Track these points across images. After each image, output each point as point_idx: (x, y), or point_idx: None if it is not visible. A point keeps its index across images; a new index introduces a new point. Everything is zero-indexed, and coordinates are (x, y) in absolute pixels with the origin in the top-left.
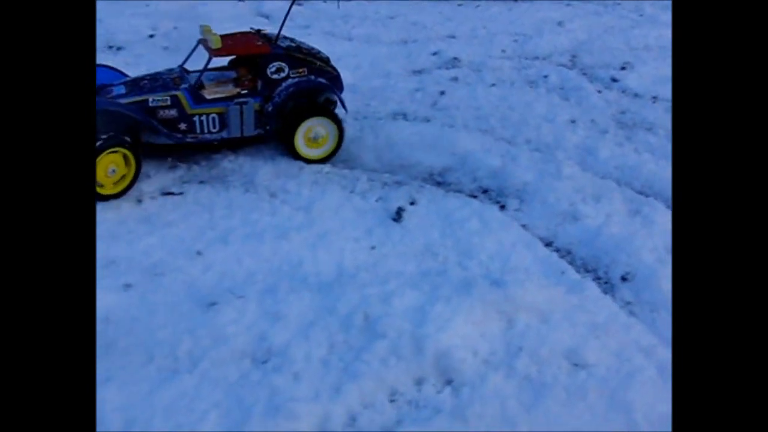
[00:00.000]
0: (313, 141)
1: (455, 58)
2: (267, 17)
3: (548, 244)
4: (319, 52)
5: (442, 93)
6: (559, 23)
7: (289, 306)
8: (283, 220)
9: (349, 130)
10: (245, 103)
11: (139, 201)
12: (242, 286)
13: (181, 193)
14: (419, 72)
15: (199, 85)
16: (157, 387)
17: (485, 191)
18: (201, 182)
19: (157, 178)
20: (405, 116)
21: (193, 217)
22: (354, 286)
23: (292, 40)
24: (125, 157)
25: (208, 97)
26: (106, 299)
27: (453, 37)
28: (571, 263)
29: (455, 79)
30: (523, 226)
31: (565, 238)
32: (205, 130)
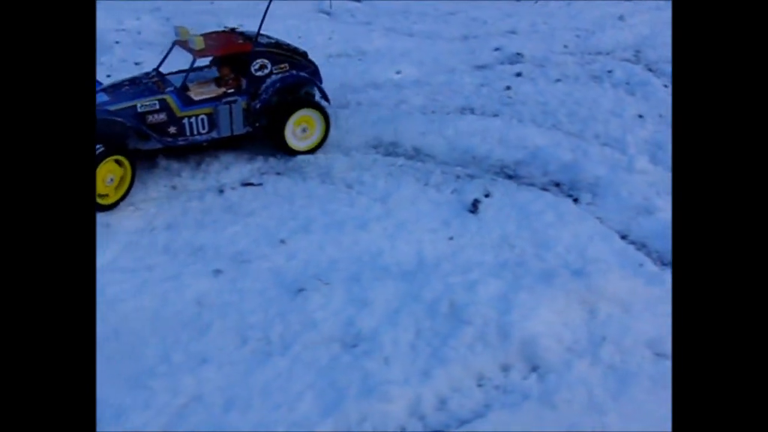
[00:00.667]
0: (302, 133)
1: (518, 54)
2: (328, 13)
3: (623, 237)
4: (296, 47)
5: (508, 88)
6: (620, 18)
7: (374, 293)
8: (362, 210)
9: (419, 124)
10: (234, 101)
11: (221, 191)
12: (326, 273)
13: (260, 184)
14: (482, 67)
15: (186, 87)
16: (253, 368)
17: (557, 185)
18: (278, 174)
19: (235, 170)
20: (472, 111)
21: (274, 206)
22: (437, 274)
23: (269, 37)
24: (117, 161)
25: (196, 98)
26: (199, 284)
27: (513, 32)
28: (647, 256)
29: (519, 74)
30: (598, 218)
31: (640, 232)
32: (195, 132)
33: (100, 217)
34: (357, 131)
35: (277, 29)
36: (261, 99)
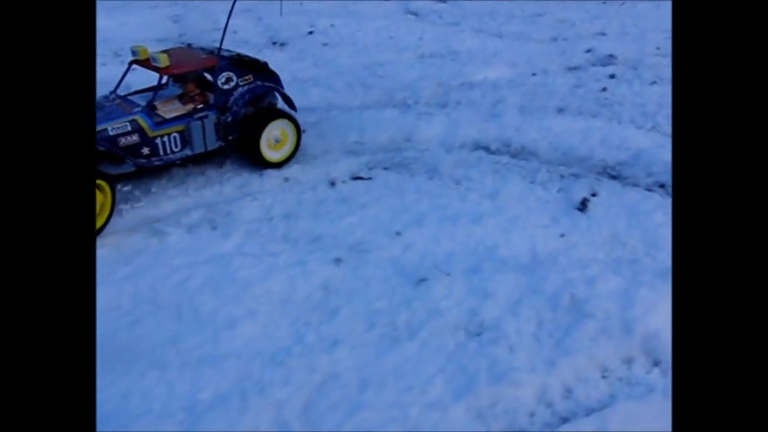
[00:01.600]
0: (275, 144)
1: (610, 56)
2: (415, 14)
3: None
4: (256, 58)
5: (604, 89)
6: None
7: (495, 284)
8: (473, 206)
9: (518, 123)
10: (205, 117)
11: (332, 184)
12: (445, 265)
13: (369, 179)
14: (575, 68)
15: (152, 107)
16: (384, 351)
17: (662, 185)
18: (385, 168)
19: (344, 164)
20: (570, 111)
21: (386, 200)
22: (555, 269)
23: (228, 50)
24: (99, 187)
25: (167, 116)
26: (323, 270)
27: (603, 34)
28: None
29: (613, 76)
30: None
31: None
32: (168, 151)
33: (222, 206)
34: (459, 129)
35: (367, 30)
36: (232, 112)
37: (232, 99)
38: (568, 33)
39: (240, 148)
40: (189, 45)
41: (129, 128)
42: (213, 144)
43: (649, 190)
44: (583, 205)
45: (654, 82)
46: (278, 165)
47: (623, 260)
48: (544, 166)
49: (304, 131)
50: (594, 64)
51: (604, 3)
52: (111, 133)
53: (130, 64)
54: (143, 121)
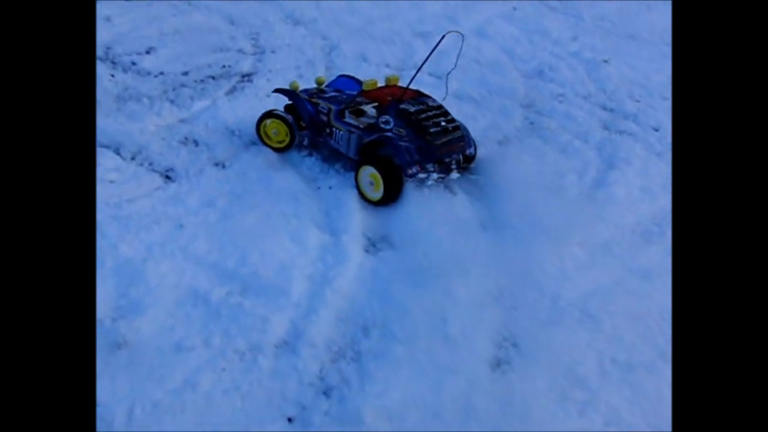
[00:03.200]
0: (371, 185)
1: None
2: None
3: None
4: (437, 124)
5: None
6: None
7: None
8: None
9: None
10: (354, 133)
11: None
12: None
13: None
14: None
15: (350, 108)
16: None
17: None
18: None
19: None
20: None
21: None
22: None
23: (425, 104)
24: (285, 131)
25: (343, 119)
26: None
27: None
28: None
29: None
30: None
31: None
32: (336, 140)
33: None
34: None
35: None
36: (364, 142)
37: (370, 136)
38: None
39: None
40: (418, 91)
41: (325, 110)
42: (352, 155)
43: None
44: None
45: None
46: (375, 203)
47: None
48: None
49: None
50: None
51: None
52: (320, 109)
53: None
54: (333, 112)
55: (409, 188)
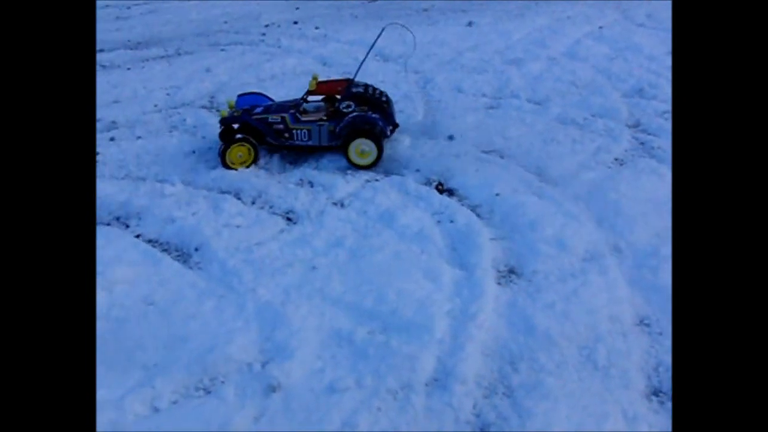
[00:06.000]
0: (361, 153)
1: (113, 122)
2: None
3: None
4: (382, 97)
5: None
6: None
7: None
8: None
9: None
10: (322, 125)
11: None
12: None
13: None
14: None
15: (302, 111)
16: None
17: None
18: None
19: None
20: None
21: None
22: None
23: (366, 86)
24: (248, 150)
25: (303, 119)
26: None
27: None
28: None
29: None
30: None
31: None
32: (299, 139)
33: None
34: None
35: None
36: (340, 126)
37: (344, 119)
38: None
39: (341, 150)
40: (349, 80)
41: (279, 120)
42: (325, 143)
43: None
44: None
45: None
46: (363, 168)
47: None
48: None
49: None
50: (100, 131)
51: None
52: (270, 121)
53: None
54: (287, 118)
55: (541, 222)
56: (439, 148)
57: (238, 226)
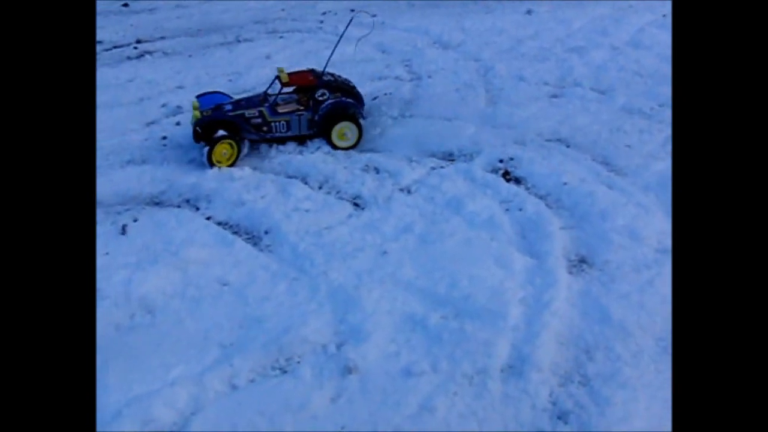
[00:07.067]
0: (343, 137)
1: (178, 106)
2: None
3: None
4: (349, 83)
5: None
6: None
7: None
8: None
9: None
10: (302, 114)
11: None
12: None
13: None
14: (151, 123)
15: (276, 104)
16: None
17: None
18: None
19: None
20: (135, 162)
21: None
22: None
23: (332, 74)
24: (231, 145)
25: (280, 111)
26: None
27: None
28: None
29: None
30: None
31: None
32: (278, 131)
33: None
34: None
35: None
36: (319, 114)
37: (321, 107)
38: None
39: (322, 137)
40: (312, 70)
41: (256, 114)
42: (305, 131)
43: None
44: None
45: None
46: (346, 149)
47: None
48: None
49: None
50: (167, 116)
51: (190, 56)
52: (247, 116)
53: (275, 78)
54: (265, 112)
55: (611, 212)
56: (503, 137)
57: (306, 211)
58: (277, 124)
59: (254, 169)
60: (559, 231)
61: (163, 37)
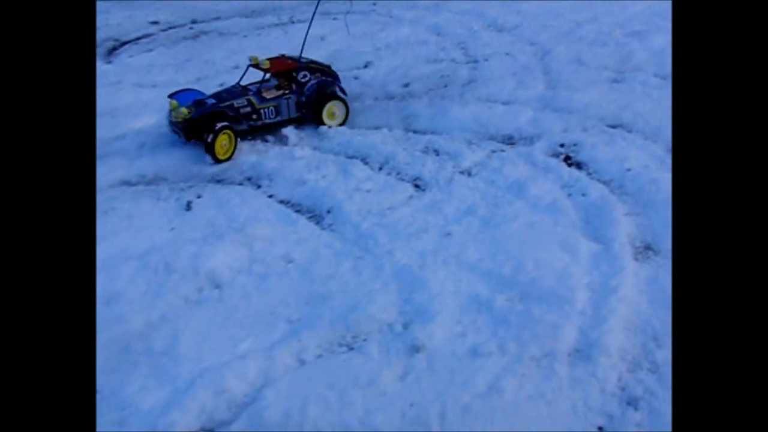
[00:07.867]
0: (332, 116)
1: None
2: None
3: None
4: (324, 63)
5: None
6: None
7: None
8: None
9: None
10: (289, 98)
11: None
12: None
13: None
14: None
15: (261, 91)
16: None
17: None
18: None
19: None
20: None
21: None
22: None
23: (306, 58)
24: (229, 137)
25: (267, 97)
26: None
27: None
28: None
29: None
30: None
31: None
32: (267, 117)
33: None
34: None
35: None
36: (305, 95)
37: (305, 88)
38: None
39: (310, 118)
40: (283, 55)
41: (245, 103)
42: (294, 114)
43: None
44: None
45: None
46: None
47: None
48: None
49: None
50: None
51: (245, 36)
52: (236, 106)
53: (248, 67)
54: (254, 99)
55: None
56: (563, 121)
57: (368, 191)
58: (266, 110)
59: (314, 149)
60: (624, 217)
61: (218, 18)
